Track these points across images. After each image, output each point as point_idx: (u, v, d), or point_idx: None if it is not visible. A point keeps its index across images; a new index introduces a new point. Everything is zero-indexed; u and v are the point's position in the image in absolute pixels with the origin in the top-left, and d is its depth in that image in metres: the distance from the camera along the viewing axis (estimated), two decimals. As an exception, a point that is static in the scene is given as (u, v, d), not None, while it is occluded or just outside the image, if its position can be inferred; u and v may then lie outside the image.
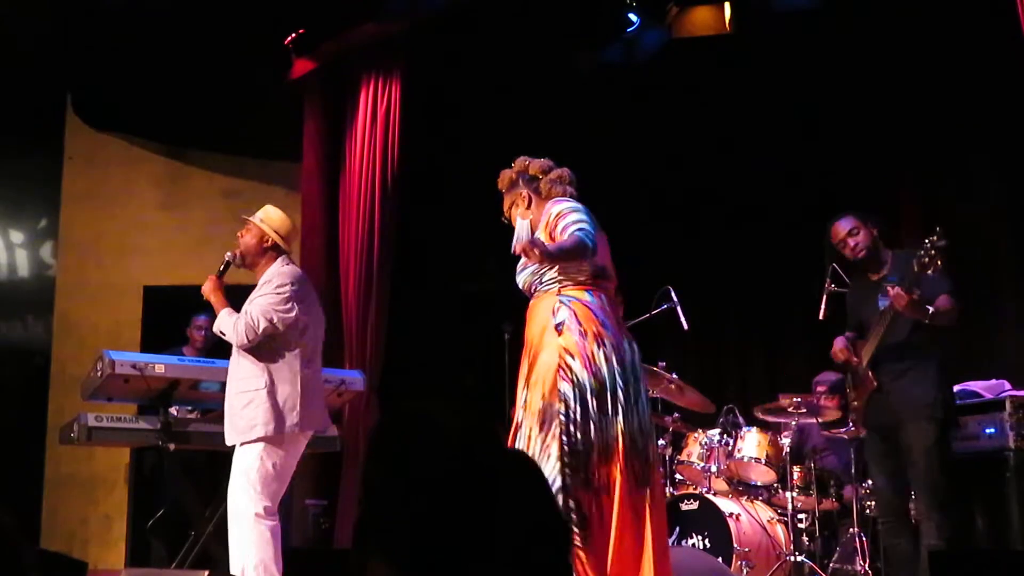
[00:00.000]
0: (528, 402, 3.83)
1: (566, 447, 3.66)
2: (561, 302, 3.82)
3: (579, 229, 3.77)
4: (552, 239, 3.84)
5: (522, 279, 3.98)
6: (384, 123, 7.03)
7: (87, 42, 7.62)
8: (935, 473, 4.62)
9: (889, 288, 4.60)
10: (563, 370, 3.74)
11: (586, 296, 3.83)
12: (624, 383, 3.76)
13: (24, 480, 7.54)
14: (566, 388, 3.72)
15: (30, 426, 7.71)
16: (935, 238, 4.41)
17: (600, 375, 3.72)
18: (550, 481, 3.66)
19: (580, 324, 3.77)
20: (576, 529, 3.62)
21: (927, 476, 4.62)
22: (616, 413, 3.71)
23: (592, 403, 3.70)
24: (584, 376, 3.72)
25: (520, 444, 3.74)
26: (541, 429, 3.73)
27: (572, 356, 3.74)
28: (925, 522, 4.57)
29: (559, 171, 4.12)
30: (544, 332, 3.82)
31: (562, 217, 3.85)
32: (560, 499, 3.61)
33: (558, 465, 3.65)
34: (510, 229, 4.16)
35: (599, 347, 3.75)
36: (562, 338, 3.77)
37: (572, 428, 3.68)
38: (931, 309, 4.57)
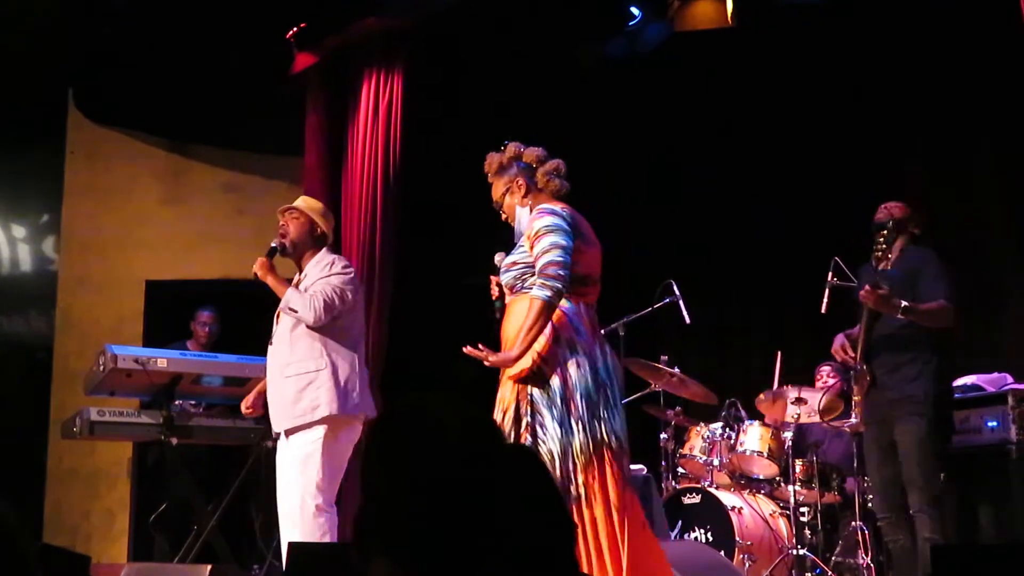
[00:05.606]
0: (500, 399, 3.85)
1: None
2: None
3: (551, 263, 3.72)
4: (531, 251, 3.81)
5: (506, 278, 3.94)
6: (386, 117, 7.02)
7: (89, 36, 7.61)
8: (927, 468, 4.64)
9: (861, 292, 4.64)
10: (533, 373, 3.73)
11: (564, 302, 3.79)
12: (596, 391, 3.73)
13: (27, 475, 7.54)
14: (534, 392, 3.72)
15: (32, 421, 7.71)
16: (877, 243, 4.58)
17: (570, 381, 3.71)
18: None
19: (554, 329, 3.76)
20: None
21: (919, 471, 4.63)
22: (589, 419, 3.68)
23: (560, 408, 3.68)
24: (555, 382, 3.71)
25: None
26: (512, 428, 3.72)
27: (544, 360, 3.73)
28: (919, 516, 4.61)
29: (554, 162, 4.06)
30: (519, 332, 3.77)
31: (539, 238, 3.80)
32: None
33: None
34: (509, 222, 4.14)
35: (571, 353, 3.74)
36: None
37: (539, 430, 3.68)
38: (903, 303, 4.57)
